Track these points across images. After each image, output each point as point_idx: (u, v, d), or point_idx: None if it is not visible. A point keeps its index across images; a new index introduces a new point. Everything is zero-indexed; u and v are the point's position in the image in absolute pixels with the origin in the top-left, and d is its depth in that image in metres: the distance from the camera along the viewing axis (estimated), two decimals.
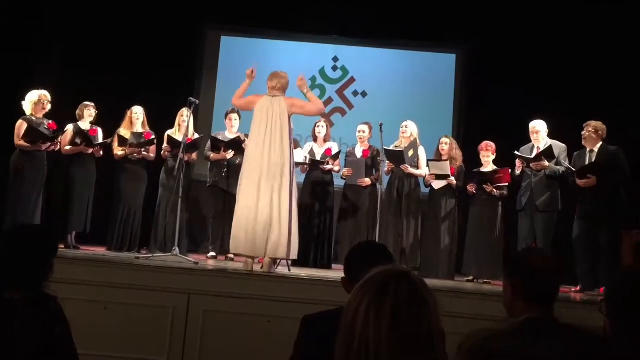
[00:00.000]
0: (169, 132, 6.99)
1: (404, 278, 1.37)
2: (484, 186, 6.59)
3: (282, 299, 4.65)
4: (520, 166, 6.45)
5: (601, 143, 6.14)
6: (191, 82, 8.75)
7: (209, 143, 7.07)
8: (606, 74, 7.62)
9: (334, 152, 7.05)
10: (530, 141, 6.52)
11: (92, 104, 6.97)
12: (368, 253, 2.46)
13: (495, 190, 6.56)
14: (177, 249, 5.81)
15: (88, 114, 6.93)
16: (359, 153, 7.11)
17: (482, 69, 8.37)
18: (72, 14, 8.17)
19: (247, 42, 9.06)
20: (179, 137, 6.67)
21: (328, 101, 9.01)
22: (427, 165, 6.86)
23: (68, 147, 6.74)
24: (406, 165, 6.75)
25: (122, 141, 6.86)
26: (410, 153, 6.76)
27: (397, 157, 6.75)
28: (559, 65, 7.95)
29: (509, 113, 7.50)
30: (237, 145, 6.81)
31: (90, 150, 6.78)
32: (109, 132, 6.98)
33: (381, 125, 6.42)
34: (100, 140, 6.88)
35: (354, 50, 9.10)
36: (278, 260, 5.48)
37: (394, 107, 8.45)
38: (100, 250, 6.57)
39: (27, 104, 6.58)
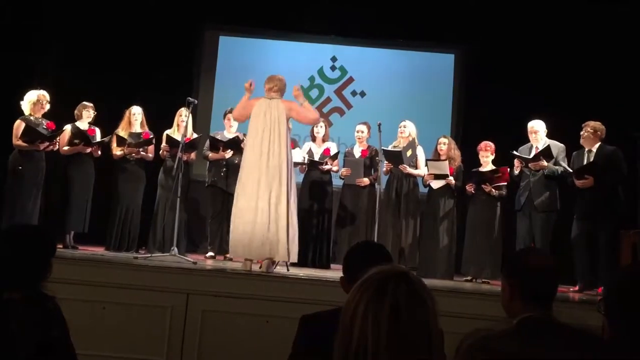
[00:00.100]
0: (167, 131, 6.99)
1: (403, 278, 1.37)
2: (483, 186, 6.60)
3: (280, 298, 4.66)
4: (518, 166, 6.45)
5: (600, 143, 6.15)
6: (190, 82, 8.75)
7: (207, 142, 7.07)
8: (605, 74, 7.63)
9: (332, 152, 7.05)
10: (528, 141, 6.53)
11: (91, 105, 6.96)
12: (366, 253, 2.47)
13: (493, 190, 6.56)
14: (175, 248, 5.80)
15: (87, 114, 6.92)
16: (357, 153, 7.11)
17: (481, 69, 8.37)
18: (72, 14, 8.17)
19: (245, 42, 9.06)
20: (177, 136, 6.67)
21: (326, 101, 9.02)
22: (426, 165, 6.87)
23: (66, 148, 6.74)
24: (404, 165, 6.75)
25: (121, 141, 6.85)
26: (409, 153, 6.77)
27: (395, 157, 6.75)
28: (557, 65, 7.96)
29: (508, 113, 7.50)
30: (235, 144, 6.81)
31: (89, 150, 6.77)
32: (108, 132, 6.97)
33: (379, 125, 6.43)
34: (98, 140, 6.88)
35: (352, 50, 9.10)
36: (277, 261, 5.48)
37: (392, 107, 8.45)
38: (98, 250, 6.57)
39: (26, 104, 6.57)
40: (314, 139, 7.22)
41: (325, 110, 8.96)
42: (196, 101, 6.61)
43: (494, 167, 6.69)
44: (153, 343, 4.60)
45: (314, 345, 2.15)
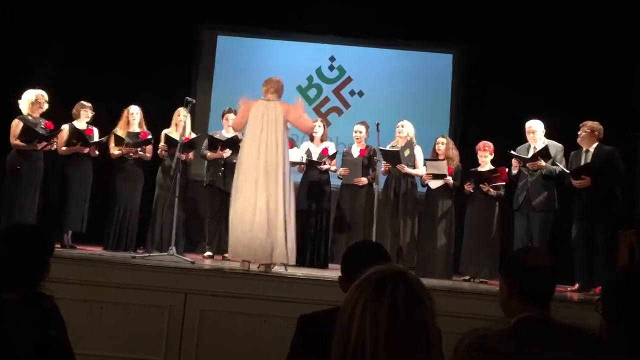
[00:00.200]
0: (165, 131, 6.98)
1: (401, 278, 1.37)
2: (481, 186, 6.60)
3: (278, 298, 4.65)
4: (516, 166, 6.46)
5: (597, 143, 6.15)
6: (188, 82, 8.74)
7: (206, 142, 7.07)
8: (604, 74, 7.63)
9: (330, 152, 7.05)
10: (526, 141, 6.53)
11: (90, 105, 6.95)
12: (364, 252, 2.46)
13: (492, 190, 6.57)
14: (173, 248, 5.80)
15: (85, 114, 6.91)
16: (355, 153, 7.11)
17: (479, 69, 8.38)
18: (72, 14, 8.17)
19: (243, 41, 9.05)
20: (175, 136, 6.67)
21: (325, 101, 9.02)
22: (424, 165, 6.87)
23: (64, 148, 6.73)
24: (402, 165, 6.76)
25: (119, 141, 6.84)
26: (407, 153, 6.76)
27: (393, 157, 6.75)
28: (556, 65, 7.96)
29: (506, 113, 7.49)
30: (234, 144, 6.79)
31: (86, 150, 6.76)
32: (107, 132, 6.96)
33: (378, 124, 6.43)
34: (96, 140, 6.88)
35: (350, 50, 9.10)
36: (275, 262, 5.47)
37: (390, 107, 8.44)
38: (96, 250, 6.56)
39: (24, 103, 6.56)
40: (312, 139, 7.21)
41: (323, 110, 8.97)
42: (194, 101, 6.62)
43: (492, 167, 6.70)
44: (151, 343, 4.60)
45: (312, 345, 2.14)
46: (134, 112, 7.00)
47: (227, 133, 7.06)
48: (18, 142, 6.39)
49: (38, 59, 7.93)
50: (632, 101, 7.35)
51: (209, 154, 7.01)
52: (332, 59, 9.09)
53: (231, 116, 7.01)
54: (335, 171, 7.10)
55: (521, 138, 6.59)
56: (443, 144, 6.92)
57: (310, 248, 6.82)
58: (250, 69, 8.39)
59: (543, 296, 2.15)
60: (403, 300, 1.32)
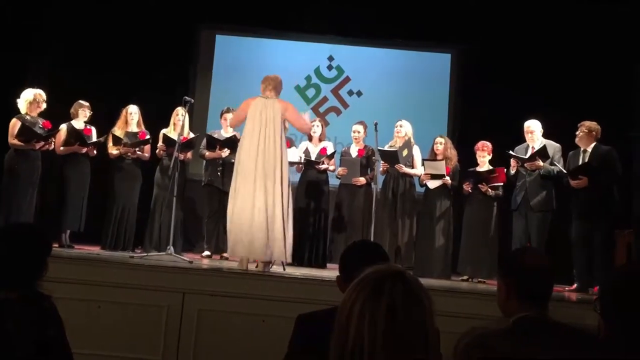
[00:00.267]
0: (164, 130, 6.98)
1: (399, 278, 1.37)
2: (479, 186, 6.61)
3: (276, 298, 4.65)
4: (514, 166, 6.46)
5: (595, 143, 6.16)
6: (186, 81, 8.74)
7: (204, 141, 7.06)
8: (604, 74, 7.63)
9: (329, 151, 7.05)
10: (525, 141, 6.53)
11: (88, 105, 6.94)
12: (363, 252, 2.46)
13: (490, 190, 6.58)
14: (171, 248, 5.80)
15: (83, 113, 6.90)
16: (354, 153, 7.11)
17: (478, 69, 8.38)
18: (72, 14, 8.17)
19: (242, 41, 9.05)
20: (174, 135, 6.66)
21: (323, 100, 9.02)
22: (423, 165, 6.87)
23: (62, 148, 6.72)
24: (400, 165, 6.76)
25: (117, 140, 6.84)
26: (405, 153, 6.77)
27: (391, 157, 6.75)
28: (554, 65, 7.97)
29: (504, 113, 7.50)
30: (232, 144, 6.79)
31: (84, 150, 6.76)
32: (105, 132, 6.95)
33: (376, 124, 6.43)
34: (94, 140, 6.87)
35: (349, 50, 9.10)
36: (273, 260, 5.48)
37: (388, 107, 8.45)
38: (94, 249, 6.56)
39: (22, 103, 6.55)
40: (310, 139, 7.21)
41: (321, 109, 8.97)
42: (192, 100, 6.62)
43: (490, 167, 6.70)
44: (149, 342, 4.59)
45: (310, 345, 2.14)
46: (133, 112, 6.99)
47: (225, 133, 7.06)
48: (16, 141, 6.39)
49: (37, 59, 7.94)
50: (632, 101, 7.36)
51: (207, 153, 7.00)
52: (330, 58, 9.10)
53: (229, 116, 7.01)
54: (333, 171, 7.10)
55: (520, 138, 6.59)
56: (441, 144, 6.92)
57: (308, 248, 6.82)
58: (249, 69, 8.38)
59: (541, 296, 2.15)
60: (401, 300, 1.32)
